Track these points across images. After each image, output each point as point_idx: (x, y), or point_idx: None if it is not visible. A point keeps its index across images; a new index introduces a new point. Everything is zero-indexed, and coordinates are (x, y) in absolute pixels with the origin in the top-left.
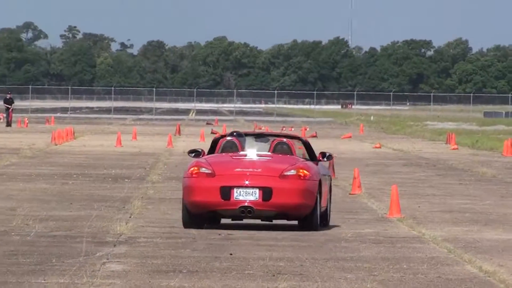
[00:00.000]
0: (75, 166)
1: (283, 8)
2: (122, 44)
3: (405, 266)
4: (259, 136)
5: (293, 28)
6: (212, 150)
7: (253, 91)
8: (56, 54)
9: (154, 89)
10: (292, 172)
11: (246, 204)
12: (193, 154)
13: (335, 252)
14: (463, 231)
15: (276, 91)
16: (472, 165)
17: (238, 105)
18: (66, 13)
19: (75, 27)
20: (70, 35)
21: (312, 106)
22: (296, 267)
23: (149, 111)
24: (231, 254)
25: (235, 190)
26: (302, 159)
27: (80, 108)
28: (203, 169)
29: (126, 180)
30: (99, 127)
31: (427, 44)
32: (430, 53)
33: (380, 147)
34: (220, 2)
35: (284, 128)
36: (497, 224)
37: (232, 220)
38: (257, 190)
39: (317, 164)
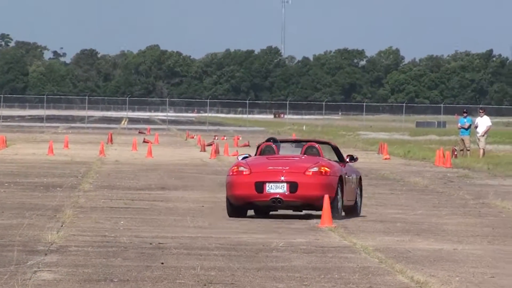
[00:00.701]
0: (6, 175)
1: (216, 17)
2: (55, 53)
3: (336, 275)
4: (294, 142)
5: (226, 37)
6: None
7: (186, 100)
8: None
9: (86, 97)
10: (315, 169)
11: (276, 196)
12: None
13: (266, 262)
14: (395, 241)
15: (208, 100)
16: (404, 175)
17: (171, 114)
18: None
19: (8, 35)
20: (3, 43)
21: (245, 116)
22: (227, 276)
23: (81, 119)
24: (162, 263)
25: (267, 184)
26: (327, 159)
27: (12, 117)
28: (242, 168)
29: (58, 188)
30: (31, 136)
31: (360, 53)
32: (362, 62)
33: None
34: (153, 11)
35: (216, 137)
36: (428, 234)
37: (265, 211)
38: (285, 184)
39: (344, 166)
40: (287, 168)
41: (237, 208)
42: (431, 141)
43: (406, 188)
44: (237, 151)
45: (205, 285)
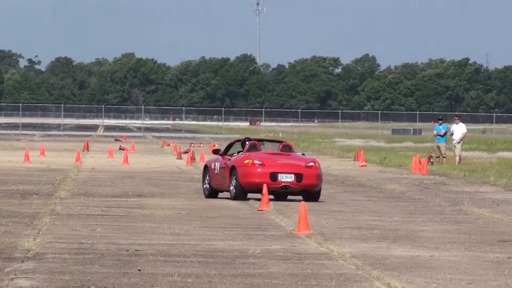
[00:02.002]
0: None
1: (192, 25)
2: (30, 61)
3: (313, 282)
4: (267, 141)
5: (201, 45)
6: (227, 149)
7: (162, 107)
8: None
9: (62, 105)
10: (312, 164)
11: (286, 183)
12: (216, 152)
13: (243, 269)
14: (372, 248)
15: (184, 108)
16: (380, 182)
17: (146, 122)
18: None
19: None
20: None
21: (220, 123)
22: (204, 283)
23: (57, 127)
24: (139, 270)
25: (279, 174)
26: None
27: None
28: (256, 160)
29: (35, 196)
30: (7, 143)
31: (335, 61)
32: (338, 70)
33: None
34: (129, 19)
35: (192, 145)
36: (405, 241)
37: (274, 195)
38: (293, 175)
39: None
40: (291, 162)
41: (247, 192)
42: (407, 148)
43: (382, 195)
44: None
45: None
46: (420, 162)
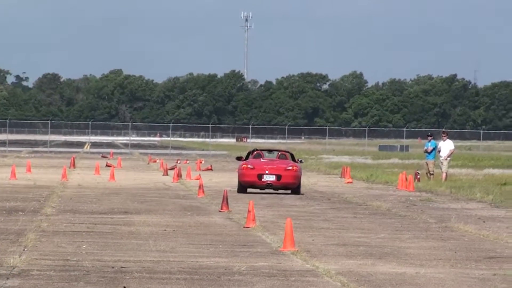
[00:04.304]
0: None
1: (179, 41)
2: (18, 77)
3: None
4: (271, 150)
5: (188, 61)
6: (247, 156)
7: (149, 124)
8: None
9: (49, 121)
10: (290, 167)
11: (269, 182)
12: (239, 158)
13: (229, 285)
14: (357, 265)
15: (171, 124)
16: (366, 198)
17: (134, 138)
18: None
19: None
20: None
21: (208, 139)
22: None
23: (44, 143)
24: (124, 287)
25: (264, 175)
26: (293, 162)
27: None
28: (249, 165)
29: (20, 212)
30: None
31: (323, 78)
32: (325, 86)
33: None
34: (116, 35)
35: (179, 161)
36: (391, 258)
37: (260, 190)
38: (274, 176)
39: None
40: (275, 166)
41: (244, 187)
42: (393, 165)
43: (368, 211)
44: (199, 174)
45: None
46: (406, 179)
